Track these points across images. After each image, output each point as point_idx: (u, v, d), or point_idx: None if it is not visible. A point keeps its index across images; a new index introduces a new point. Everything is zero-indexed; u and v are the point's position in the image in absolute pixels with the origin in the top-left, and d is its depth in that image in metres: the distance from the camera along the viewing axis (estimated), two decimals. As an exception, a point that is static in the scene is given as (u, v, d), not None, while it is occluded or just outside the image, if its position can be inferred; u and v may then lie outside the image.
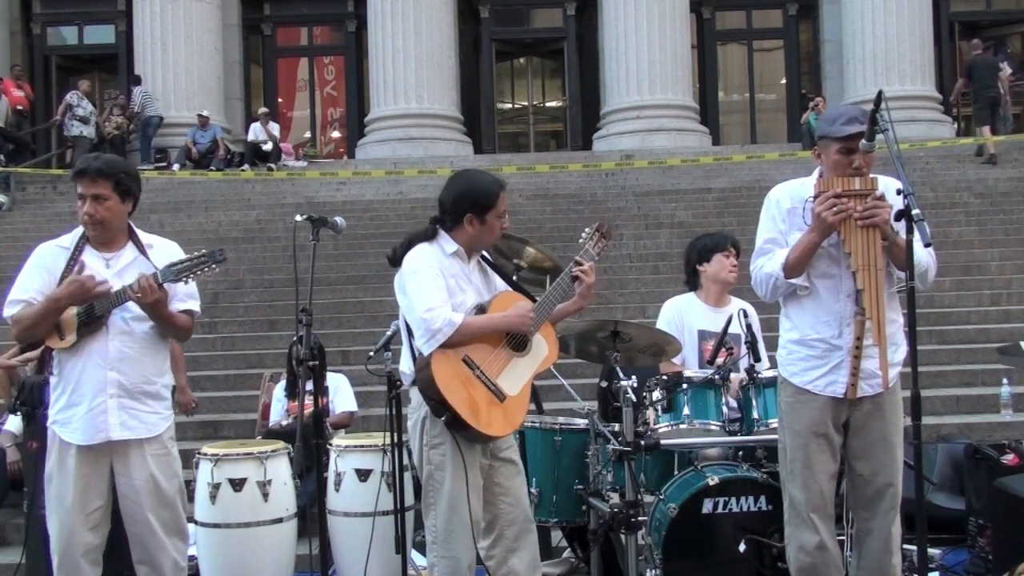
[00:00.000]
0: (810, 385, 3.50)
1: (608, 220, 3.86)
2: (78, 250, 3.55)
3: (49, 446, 3.55)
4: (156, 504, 3.53)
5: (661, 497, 4.15)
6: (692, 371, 4.37)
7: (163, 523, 3.55)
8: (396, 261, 3.54)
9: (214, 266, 3.49)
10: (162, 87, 15.96)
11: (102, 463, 3.51)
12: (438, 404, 3.35)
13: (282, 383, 6.16)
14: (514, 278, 4.61)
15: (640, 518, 3.87)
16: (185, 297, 3.61)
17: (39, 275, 3.52)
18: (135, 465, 3.52)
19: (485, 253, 3.72)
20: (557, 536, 4.86)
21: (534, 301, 3.58)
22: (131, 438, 3.50)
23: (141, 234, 3.66)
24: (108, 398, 3.46)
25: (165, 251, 3.65)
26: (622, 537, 4.07)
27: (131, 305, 3.47)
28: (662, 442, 4.07)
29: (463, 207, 3.51)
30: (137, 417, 3.51)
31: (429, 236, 3.56)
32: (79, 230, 3.61)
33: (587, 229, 3.73)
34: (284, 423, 5.86)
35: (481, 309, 3.49)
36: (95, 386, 3.46)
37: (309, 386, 3.91)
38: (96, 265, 3.53)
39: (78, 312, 3.44)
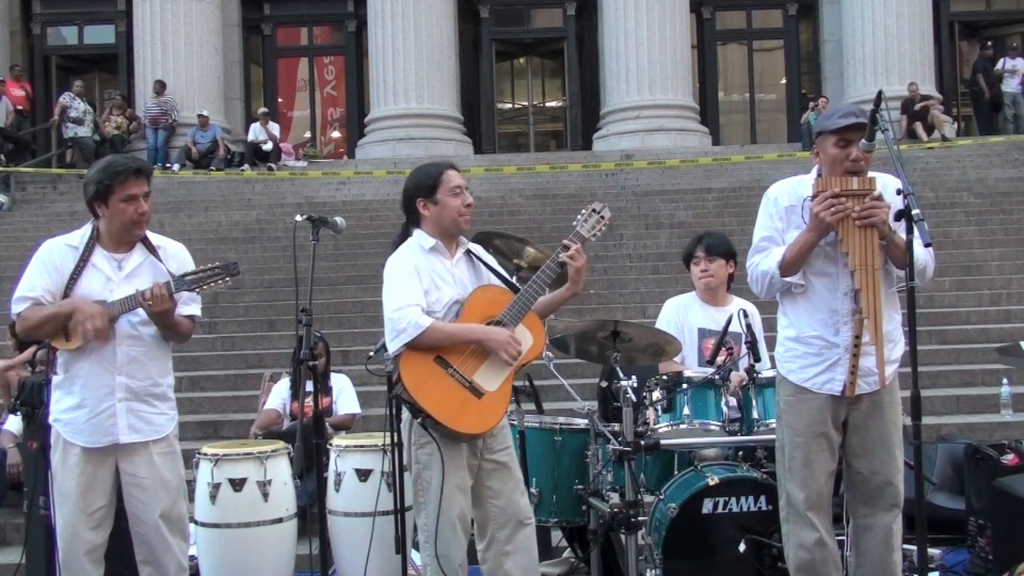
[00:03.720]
0: (807, 383, 3.50)
1: (601, 201, 3.80)
2: (88, 251, 3.52)
3: (53, 444, 3.54)
4: (165, 503, 3.53)
5: (661, 497, 4.14)
6: (692, 371, 4.37)
7: (169, 523, 3.55)
8: None
9: (228, 279, 3.51)
10: (162, 87, 15.97)
11: (107, 462, 3.50)
12: (411, 406, 3.38)
13: (283, 382, 6.15)
14: (514, 279, 4.61)
15: (640, 518, 3.87)
16: (188, 301, 3.60)
17: (47, 273, 3.49)
18: (142, 464, 3.51)
19: (478, 247, 3.70)
20: (557, 536, 4.86)
21: (516, 292, 3.57)
22: (139, 440, 3.49)
23: (150, 235, 3.64)
24: (117, 402, 3.45)
25: (174, 254, 3.65)
26: (622, 537, 4.07)
27: (139, 311, 3.46)
28: (662, 442, 4.07)
29: (412, 196, 3.57)
30: (144, 419, 3.51)
31: (405, 238, 3.60)
32: (87, 229, 3.57)
33: (583, 210, 3.67)
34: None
35: (461, 305, 3.50)
36: (103, 390, 3.45)
37: (309, 386, 3.91)
38: (107, 267, 3.51)
39: None
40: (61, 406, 3.51)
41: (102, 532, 3.52)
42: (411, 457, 3.51)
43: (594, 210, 3.67)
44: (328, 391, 5.90)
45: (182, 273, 3.50)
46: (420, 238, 3.56)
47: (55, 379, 3.55)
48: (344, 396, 5.99)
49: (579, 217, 3.66)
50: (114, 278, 3.49)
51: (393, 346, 3.39)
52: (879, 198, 3.38)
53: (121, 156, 3.83)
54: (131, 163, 3.56)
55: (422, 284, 3.46)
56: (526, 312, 3.52)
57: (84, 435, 3.46)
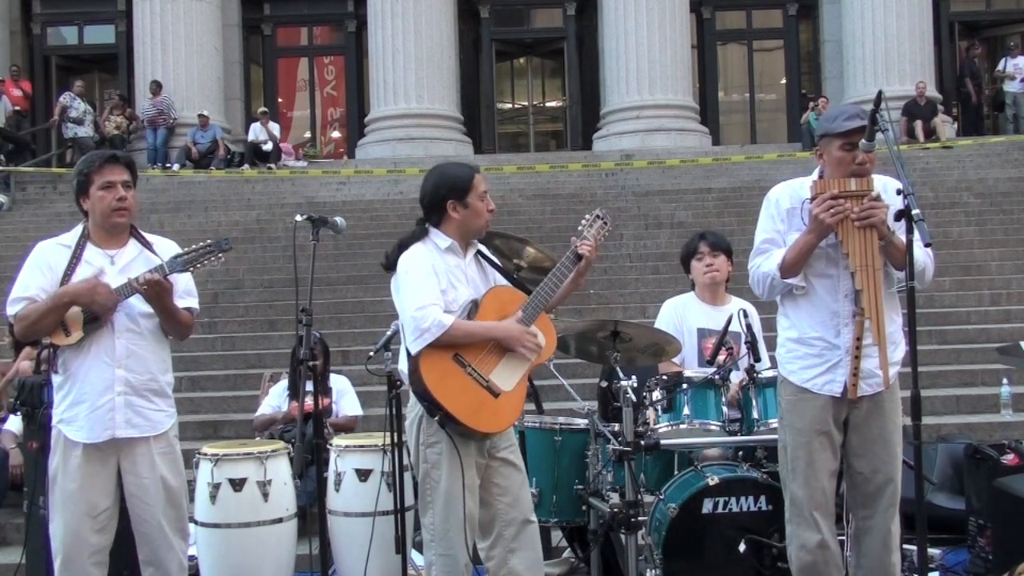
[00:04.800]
0: (808, 384, 3.50)
1: (603, 207, 3.84)
2: (80, 248, 3.54)
3: (53, 446, 3.53)
4: (165, 503, 3.53)
5: (661, 497, 4.14)
6: (692, 371, 4.37)
7: (170, 522, 3.55)
8: (390, 266, 3.54)
9: (220, 255, 3.51)
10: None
11: (109, 462, 3.50)
12: (430, 405, 3.36)
13: (282, 382, 6.16)
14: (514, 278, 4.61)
15: (640, 518, 3.86)
16: (183, 295, 3.60)
17: (40, 273, 3.50)
18: (143, 464, 3.51)
19: (484, 248, 3.71)
20: (557, 536, 4.86)
21: (527, 294, 3.57)
22: (136, 436, 3.49)
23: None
24: (116, 395, 3.45)
25: (165, 248, 3.66)
26: (622, 537, 4.07)
27: (136, 302, 3.47)
28: (662, 442, 4.07)
29: (442, 196, 3.52)
30: (143, 415, 3.50)
31: (420, 237, 3.56)
32: (78, 229, 3.60)
33: (587, 216, 3.71)
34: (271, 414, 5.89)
35: (475, 305, 3.49)
36: (102, 384, 3.45)
37: (309, 386, 3.91)
38: (101, 262, 3.52)
39: (83, 308, 3.44)
40: (63, 405, 3.51)
41: (107, 535, 3.51)
42: (418, 456, 3.49)
43: (597, 216, 3.71)
44: (327, 392, 5.91)
45: (175, 254, 3.51)
46: (436, 237, 3.55)
47: (56, 380, 3.54)
48: (347, 398, 6.01)
49: (583, 222, 3.69)
50: (107, 272, 3.50)
51: (416, 346, 3.36)
52: (877, 199, 3.38)
53: (100, 150, 3.88)
54: (104, 152, 3.61)
55: (440, 283, 3.46)
56: (540, 311, 3.53)
57: (85, 431, 3.45)
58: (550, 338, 3.58)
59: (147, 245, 3.61)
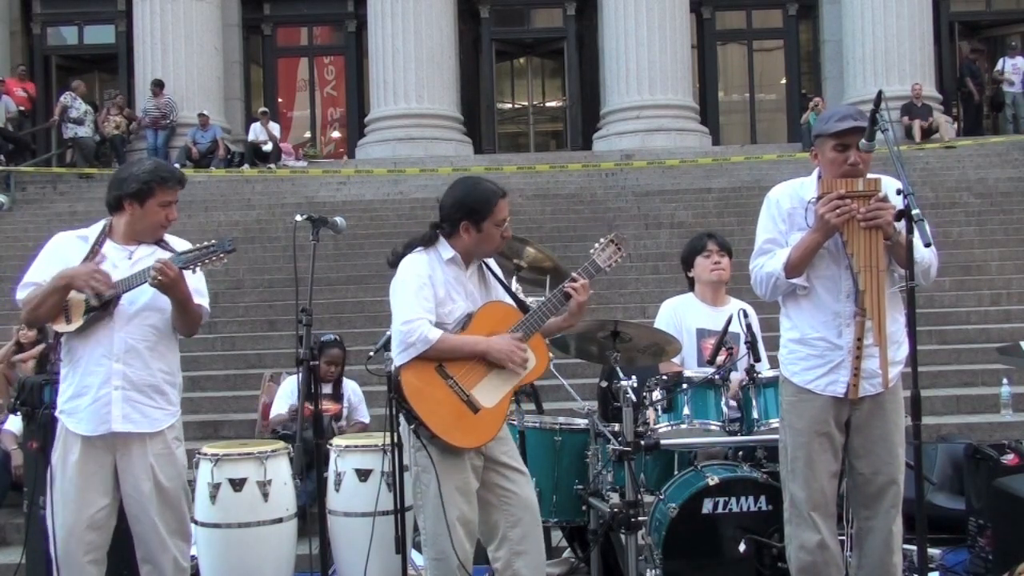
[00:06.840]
0: (811, 384, 3.50)
1: (619, 232, 3.80)
2: (99, 244, 3.58)
3: (56, 439, 3.55)
4: (159, 505, 3.53)
5: (661, 497, 4.15)
6: (692, 371, 4.37)
7: (167, 523, 3.55)
8: (395, 263, 3.54)
9: (223, 256, 3.51)
10: (162, 87, 15.96)
11: (107, 460, 3.50)
12: (408, 413, 3.38)
13: (291, 379, 6.13)
14: (514, 279, 4.61)
15: (640, 518, 3.87)
16: (194, 294, 3.60)
17: (55, 263, 3.52)
18: (138, 465, 3.51)
19: (488, 260, 3.69)
20: (557, 536, 4.86)
21: (525, 311, 3.56)
22: (132, 431, 3.49)
23: None
24: (113, 389, 3.46)
25: (179, 246, 3.69)
26: (622, 537, 4.07)
27: (141, 297, 3.48)
28: (662, 442, 4.07)
29: (459, 214, 3.49)
30: (139, 411, 3.50)
31: (428, 242, 3.55)
32: (100, 225, 3.64)
33: (601, 239, 3.68)
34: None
35: (469, 318, 3.49)
36: (101, 377, 3.46)
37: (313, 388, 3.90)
38: (117, 256, 3.55)
39: (87, 297, 3.45)
40: (66, 396, 3.53)
41: (103, 532, 3.52)
42: (411, 459, 3.51)
43: (612, 240, 3.66)
44: (340, 397, 5.92)
45: (179, 251, 3.55)
46: (441, 247, 3.54)
47: (62, 368, 3.57)
48: (361, 408, 6.05)
49: (596, 246, 3.65)
50: (121, 267, 3.52)
51: (400, 359, 3.39)
52: (884, 199, 3.38)
53: (165, 163, 3.98)
54: (176, 173, 3.72)
55: (437, 294, 3.45)
56: (533, 333, 3.52)
57: (84, 423, 3.46)
58: (541, 358, 3.56)
59: (163, 242, 3.66)
